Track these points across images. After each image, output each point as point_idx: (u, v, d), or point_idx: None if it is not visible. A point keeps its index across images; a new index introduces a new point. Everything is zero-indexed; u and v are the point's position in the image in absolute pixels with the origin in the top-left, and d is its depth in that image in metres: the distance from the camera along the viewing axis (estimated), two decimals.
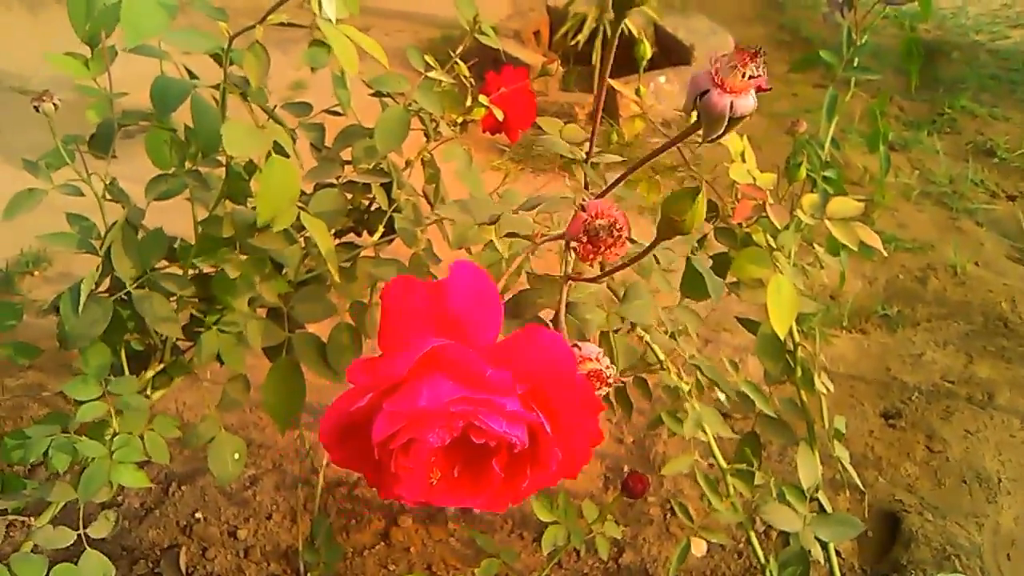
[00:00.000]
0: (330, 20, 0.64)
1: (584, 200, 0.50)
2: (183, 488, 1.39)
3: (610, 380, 0.50)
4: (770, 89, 0.46)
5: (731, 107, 0.46)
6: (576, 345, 0.50)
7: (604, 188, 0.59)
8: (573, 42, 2.62)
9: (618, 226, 0.49)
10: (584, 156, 0.77)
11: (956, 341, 1.80)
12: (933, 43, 2.98)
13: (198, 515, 1.36)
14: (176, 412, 1.52)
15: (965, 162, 2.42)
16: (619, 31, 0.67)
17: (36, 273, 1.92)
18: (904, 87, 2.70)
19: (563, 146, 0.77)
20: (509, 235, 0.66)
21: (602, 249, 0.49)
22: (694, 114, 0.47)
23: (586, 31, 2.60)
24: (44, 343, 0.94)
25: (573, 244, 0.50)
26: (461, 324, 0.44)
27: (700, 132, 0.48)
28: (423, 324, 0.44)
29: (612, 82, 1.07)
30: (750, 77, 0.45)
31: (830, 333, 1.79)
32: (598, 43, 2.57)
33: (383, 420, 0.42)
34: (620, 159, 0.77)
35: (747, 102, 0.46)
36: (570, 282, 0.59)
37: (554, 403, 0.44)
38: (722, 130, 0.47)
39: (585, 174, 0.74)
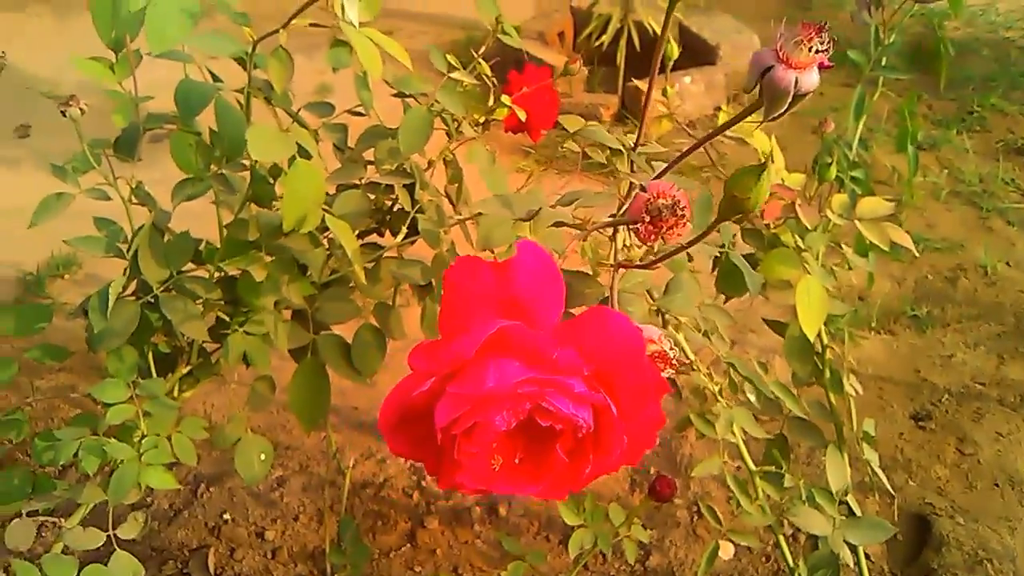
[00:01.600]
0: (352, 24, 0.64)
1: (643, 182, 0.49)
2: (211, 489, 1.40)
3: (675, 361, 0.49)
4: (833, 66, 0.45)
5: (796, 83, 0.45)
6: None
7: (657, 174, 0.59)
8: (597, 43, 2.61)
9: (681, 205, 0.48)
10: (632, 145, 0.76)
11: (987, 342, 1.77)
12: (962, 41, 2.94)
13: (226, 516, 1.36)
14: (204, 413, 1.53)
15: (995, 161, 2.38)
16: (667, 26, 0.67)
17: (66, 276, 1.94)
18: (933, 85, 2.67)
19: (608, 136, 0.77)
20: (556, 224, 0.65)
21: (664, 229, 0.48)
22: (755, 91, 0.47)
23: (610, 32, 2.59)
24: (74, 345, 0.95)
25: (634, 225, 0.49)
26: (526, 305, 0.44)
27: (761, 111, 0.47)
28: (487, 306, 0.44)
29: (637, 83, 1.07)
30: (815, 52, 0.44)
31: (859, 334, 1.77)
32: (622, 44, 2.56)
33: (447, 403, 0.42)
34: (662, 149, 0.77)
35: (811, 78, 0.45)
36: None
37: (620, 385, 0.43)
38: (785, 107, 0.46)
39: (632, 162, 0.74)
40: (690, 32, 2.73)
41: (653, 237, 0.49)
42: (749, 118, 0.52)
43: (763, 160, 0.47)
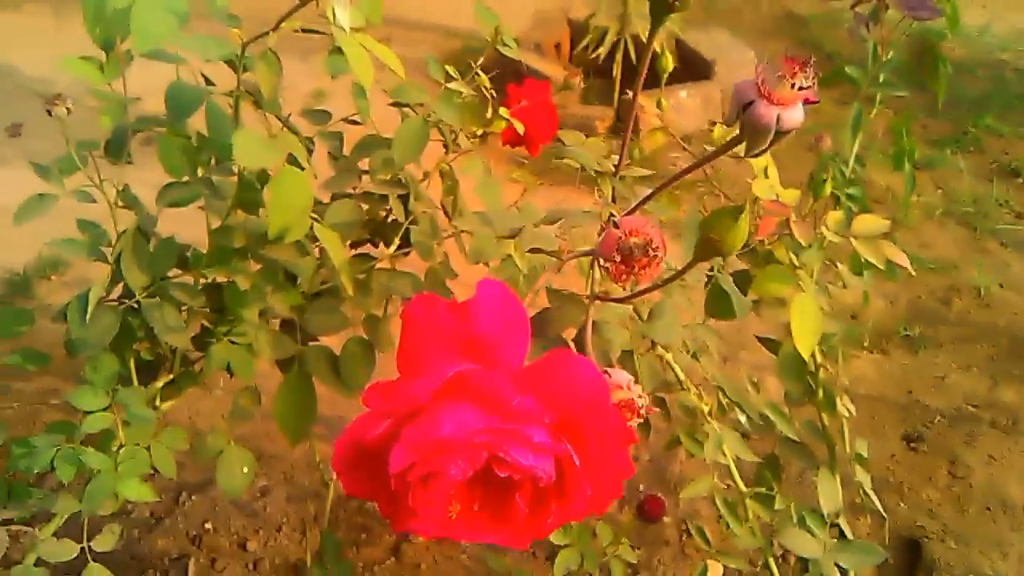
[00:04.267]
0: (343, 28, 0.63)
1: (616, 216, 0.47)
2: (193, 498, 1.38)
3: (642, 411, 0.47)
4: (818, 102, 0.43)
5: (778, 120, 0.43)
6: (606, 371, 0.47)
7: (635, 204, 0.57)
8: (594, 55, 2.61)
9: (654, 245, 0.46)
10: (613, 169, 0.74)
11: (980, 364, 1.77)
12: (958, 61, 2.94)
13: (208, 525, 1.34)
14: (188, 420, 1.51)
15: (989, 182, 2.38)
16: (652, 40, 0.65)
17: (53, 278, 1.92)
18: (927, 104, 2.66)
19: (590, 158, 0.75)
20: (533, 251, 0.63)
21: (636, 269, 0.46)
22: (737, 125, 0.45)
23: (607, 45, 2.58)
24: (59, 348, 0.93)
25: (605, 263, 0.47)
26: (486, 346, 0.42)
27: (743, 146, 0.45)
28: (446, 346, 0.41)
29: (652, 93, 1.06)
30: (799, 88, 0.42)
31: (851, 353, 1.76)
32: (619, 56, 2.55)
33: (401, 450, 0.39)
34: (648, 173, 0.75)
35: (795, 115, 0.43)
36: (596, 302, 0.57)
37: (584, 434, 0.41)
38: (767, 144, 0.44)
39: (613, 188, 0.72)
40: (687, 47, 2.73)
41: (624, 277, 0.47)
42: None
43: (742, 204, 0.45)
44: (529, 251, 0.64)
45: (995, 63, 3.02)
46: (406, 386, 0.40)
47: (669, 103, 2.40)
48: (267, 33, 0.65)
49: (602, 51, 2.59)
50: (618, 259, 0.46)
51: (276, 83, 0.68)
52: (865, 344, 1.79)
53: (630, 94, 1.10)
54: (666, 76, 1.04)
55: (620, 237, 0.46)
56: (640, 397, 0.47)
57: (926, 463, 1.52)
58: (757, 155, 0.45)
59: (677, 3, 0.55)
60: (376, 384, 0.41)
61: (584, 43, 2.66)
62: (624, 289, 0.50)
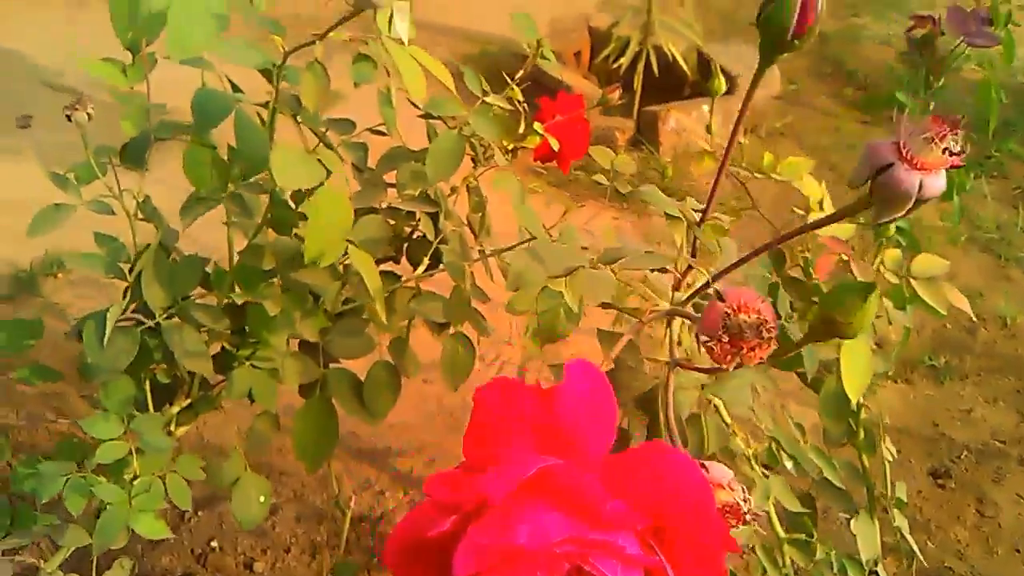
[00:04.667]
0: (401, 40, 0.58)
1: (718, 286, 0.42)
2: (200, 514, 1.33)
3: (747, 516, 0.41)
4: (964, 166, 0.38)
5: (920, 187, 0.37)
6: (704, 466, 0.42)
7: (730, 264, 0.51)
8: (615, 65, 2.56)
9: (769, 326, 0.40)
10: (695, 216, 0.67)
11: (1007, 397, 1.72)
12: (981, 84, 2.90)
13: (214, 544, 1.30)
14: (196, 432, 1.46)
15: (1013, 208, 2.34)
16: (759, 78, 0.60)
17: (59, 276, 1.87)
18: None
19: (668, 202, 0.68)
20: (604, 306, 0.58)
21: (744, 350, 0.40)
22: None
23: (628, 55, 2.54)
24: (62, 351, 0.88)
25: (707, 341, 0.41)
26: (570, 437, 0.36)
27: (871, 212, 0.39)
28: (523, 434, 0.36)
29: (673, 107, 1.01)
30: (949, 153, 0.37)
31: (876, 382, 1.71)
32: (640, 68, 2.51)
33: (468, 553, 0.34)
34: (727, 218, 0.70)
35: (938, 182, 0.38)
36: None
37: (679, 542, 0.36)
38: (903, 213, 0.38)
39: (695, 240, 0.66)
40: (708, 60, 2.68)
41: (729, 359, 0.41)
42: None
43: (871, 282, 0.39)
44: (602, 306, 0.58)
45: (1018, 88, 2.97)
46: (477, 480, 0.35)
47: (691, 117, 2.36)
48: (313, 42, 0.60)
49: (624, 61, 2.54)
50: (725, 339, 0.40)
51: (321, 96, 0.63)
52: (890, 373, 1.74)
53: (666, 106, 1.05)
54: (683, 89, 0.99)
55: (727, 313, 0.40)
56: (745, 501, 0.41)
57: (953, 500, 1.48)
58: (886, 223, 0.40)
59: (797, 41, 0.50)
60: (440, 474, 0.36)
61: (605, 53, 2.61)
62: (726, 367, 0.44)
